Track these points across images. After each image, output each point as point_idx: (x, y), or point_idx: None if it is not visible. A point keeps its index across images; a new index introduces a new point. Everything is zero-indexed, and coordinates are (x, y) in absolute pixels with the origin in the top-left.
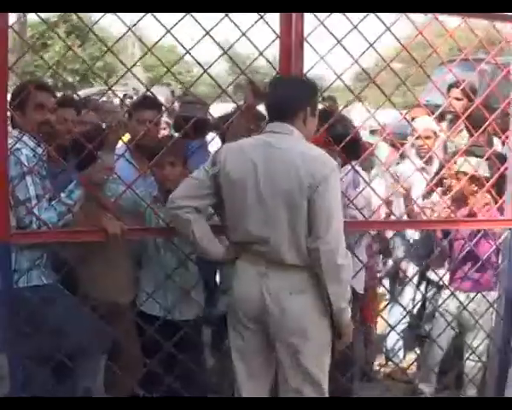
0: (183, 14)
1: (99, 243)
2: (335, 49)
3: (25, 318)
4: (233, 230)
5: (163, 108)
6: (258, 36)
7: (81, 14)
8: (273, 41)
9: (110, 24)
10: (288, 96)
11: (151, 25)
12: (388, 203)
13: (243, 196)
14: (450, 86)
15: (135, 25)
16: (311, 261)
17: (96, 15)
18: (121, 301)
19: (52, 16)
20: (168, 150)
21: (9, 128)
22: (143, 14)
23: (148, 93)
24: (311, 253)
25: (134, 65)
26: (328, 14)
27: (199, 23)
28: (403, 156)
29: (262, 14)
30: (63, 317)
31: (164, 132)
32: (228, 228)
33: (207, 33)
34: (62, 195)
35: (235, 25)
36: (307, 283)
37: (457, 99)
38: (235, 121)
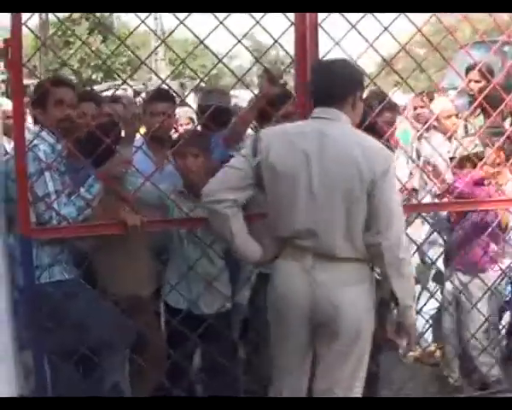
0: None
1: (119, 236)
2: (351, 34)
3: (48, 313)
4: (277, 224)
5: (177, 101)
6: (274, 24)
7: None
8: (287, 28)
9: (133, 19)
10: (339, 78)
11: (173, 19)
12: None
13: (293, 189)
14: (468, 69)
15: (149, 17)
16: (370, 257)
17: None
18: (142, 294)
19: (74, 13)
20: (191, 141)
21: (31, 125)
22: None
23: (163, 86)
24: (370, 248)
25: (148, 57)
26: None
27: (213, 14)
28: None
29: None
30: (86, 312)
31: (187, 128)
32: (269, 222)
33: (221, 23)
34: (81, 190)
35: (250, 14)
36: (360, 274)
37: (476, 81)
38: (248, 109)
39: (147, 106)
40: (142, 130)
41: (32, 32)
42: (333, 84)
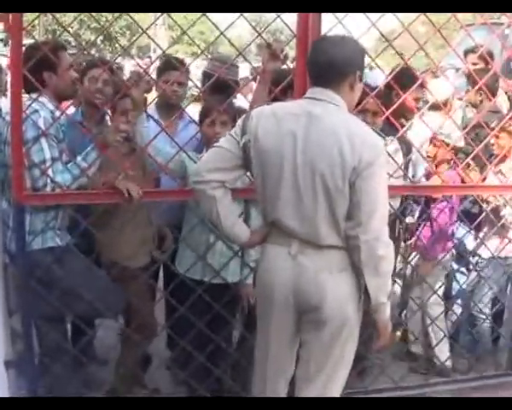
0: None
1: (115, 206)
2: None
3: (38, 279)
4: (263, 206)
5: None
6: None
7: None
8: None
9: None
10: (336, 56)
11: None
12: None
13: (278, 171)
14: (467, 51)
15: None
16: (348, 248)
17: None
18: (132, 265)
19: None
20: (220, 109)
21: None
22: None
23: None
24: (349, 239)
25: (148, 28)
26: None
27: None
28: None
29: None
30: (76, 279)
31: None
32: (259, 204)
33: None
34: (78, 158)
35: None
36: (346, 261)
37: (474, 64)
38: (257, 89)
39: (160, 74)
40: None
41: None
42: (329, 64)
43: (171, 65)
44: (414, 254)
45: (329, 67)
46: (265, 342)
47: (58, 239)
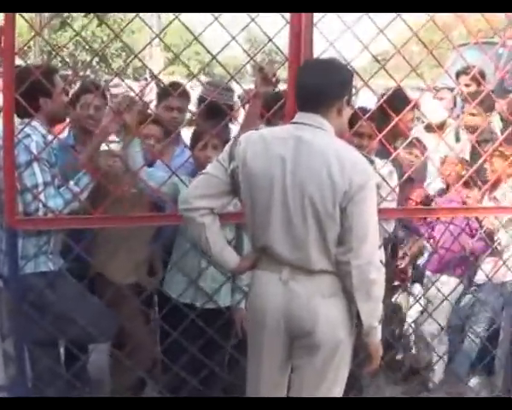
0: None
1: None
2: (346, 33)
3: (31, 304)
4: (253, 232)
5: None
6: (270, 18)
7: None
8: (283, 27)
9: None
10: (324, 82)
11: None
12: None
13: (268, 197)
14: (459, 73)
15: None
16: (340, 273)
17: None
18: (124, 282)
19: None
20: (212, 133)
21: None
22: None
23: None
24: (340, 265)
25: (141, 51)
26: None
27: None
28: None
29: None
30: (69, 303)
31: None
32: (248, 230)
33: (216, 19)
34: (71, 182)
35: (244, 11)
36: (338, 285)
37: (466, 85)
38: (248, 113)
39: (161, 100)
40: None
41: (26, 20)
42: (317, 90)
43: (173, 91)
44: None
45: (317, 93)
46: (257, 367)
47: (51, 264)
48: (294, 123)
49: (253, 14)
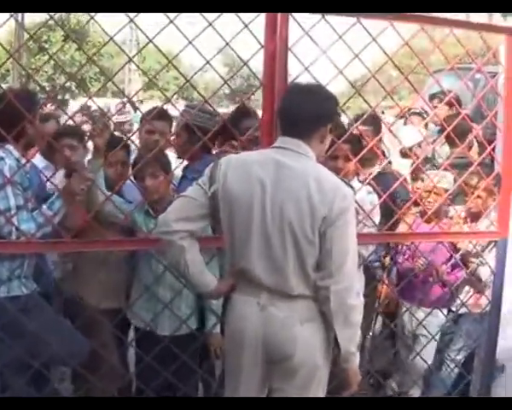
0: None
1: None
2: (322, 56)
3: (2, 328)
4: (231, 256)
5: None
6: (249, 41)
7: (80, 18)
8: (257, 51)
9: (108, 27)
10: (310, 110)
11: (149, 29)
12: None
13: (247, 220)
14: (432, 96)
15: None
16: (319, 298)
17: (93, 17)
18: (104, 306)
19: (50, 19)
20: (148, 162)
21: None
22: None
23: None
24: (319, 290)
25: (115, 74)
26: (313, 23)
27: (179, 29)
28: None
29: (246, 23)
30: (41, 328)
31: None
32: (226, 254)
33: (190, 43)
34: (44, 206)
35: (219, 34)
36: (316, 311)
37: (450, 105)
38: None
39: (144, 123)
40: None
41: (1, 44)
42: (302, 117)
43: (156, 115)
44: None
45: (302, 120)
46: (234, 391)
47: (24, 288)
48: (276, 147)
49: (228, 38)
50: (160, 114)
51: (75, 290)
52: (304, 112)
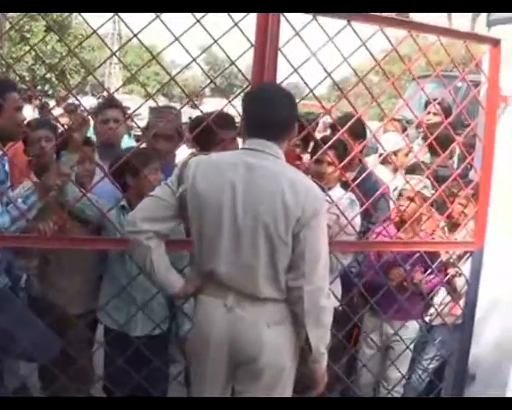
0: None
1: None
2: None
3: None
4: (200, 257)
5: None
6: (236, 40)
7: None
8: (247, 50)
9: (90, 19)
10: (283, 113)
11: (131, 23)
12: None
13: (216, 222)
14: (428, 103)
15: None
16: (290, 299)
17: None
18: (71, 312)
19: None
20: (129, 159)
21: None
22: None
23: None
24: (292, 291)
25: (97, 68)
26: (303, 24)
27: (166, 27)
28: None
29: (237, 20)
30: (11, 322)
31: None
32: (194, 255)
33: (177, 39)
34: (19, 200)
35: (207, 32)
36: (283, 314)
37: (435, 114)
38: None
39: (98, 114)
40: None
41: None
42: (275, 120)
43: (108, 104)
44: None
45: (275, 123)
46: (199, 392)
47: None
48: (246, 149)
49: (216, 36)
50: (111, 103)
51: (41, 291)
52: (274, 115)
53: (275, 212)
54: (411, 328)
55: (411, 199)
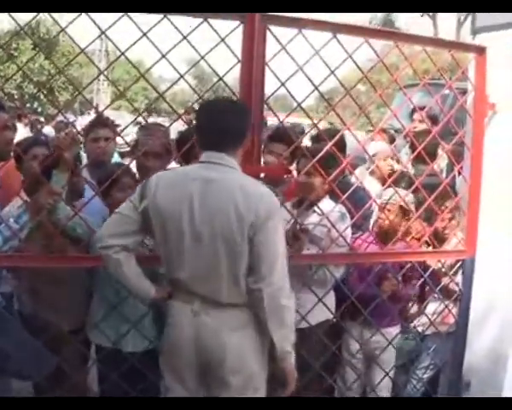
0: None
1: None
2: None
3: None
4: (166, 266)
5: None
6: (223, 54)
7: (49, 27)
8: (234, 66)
9: (79, 37)
10: (235, 125)
11: (119, 39)
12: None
13: (178, 234)
14: (413, 111)
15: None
16: (252, 302)
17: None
18: (64, 327)
19: (20, 30)
20: (118, 177)
21: None
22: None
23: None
24: (252, 293)
25: (85, 88)
26: (290, 38)
27: (153, 44)
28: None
29: (223, 35)
30: (5, 340)
31: None
32: (162, 263)
33: (164, 56)
34: (11, 219)
35: (194, 48)
36: (247, 318)
37: (421, 121)
38: None
39: (88, 132)
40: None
41: None
42: (227, 132)
43: (98, 122)
44: None
45: (228, 135)
46: (173, 394)
47: None
48: (203, 162)
49: (203, 49)
50: (102, 122)
51: (33, 308)
52: (227, 127)
53: (229, 221)
54: (389, 335)
55: (390, 210)
